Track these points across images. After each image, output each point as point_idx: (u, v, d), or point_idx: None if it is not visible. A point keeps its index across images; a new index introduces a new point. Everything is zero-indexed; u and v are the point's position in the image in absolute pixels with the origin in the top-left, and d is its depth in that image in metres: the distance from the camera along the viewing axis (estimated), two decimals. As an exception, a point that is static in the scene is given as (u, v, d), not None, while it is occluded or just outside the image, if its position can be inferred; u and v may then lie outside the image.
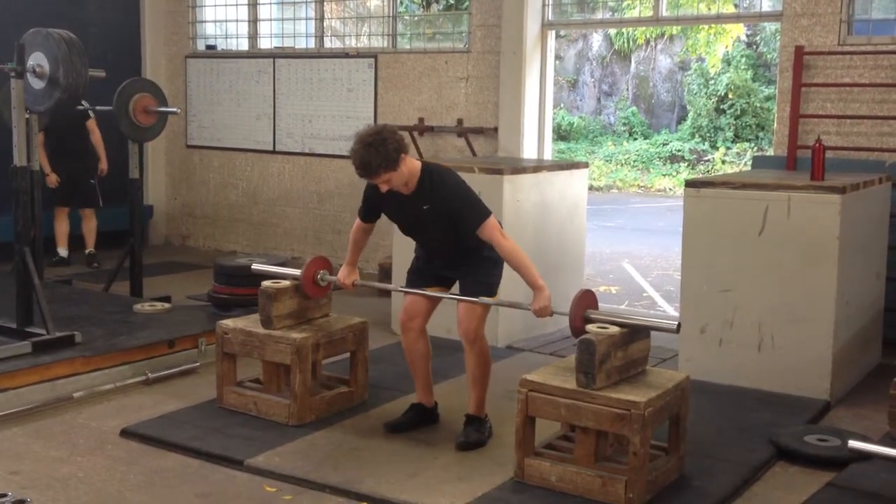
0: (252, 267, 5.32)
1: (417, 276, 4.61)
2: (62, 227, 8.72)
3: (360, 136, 4.17)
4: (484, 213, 4.28)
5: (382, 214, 4.58)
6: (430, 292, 4.54)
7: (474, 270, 4.44)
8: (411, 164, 4.28)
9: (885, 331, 6.05)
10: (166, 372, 5.46)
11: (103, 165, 8.81)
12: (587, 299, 4.30)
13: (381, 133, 4.14)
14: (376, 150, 4.08)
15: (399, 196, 4.33)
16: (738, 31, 19.51)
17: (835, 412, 5.08)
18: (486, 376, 4.51)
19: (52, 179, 8.45)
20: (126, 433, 4.56)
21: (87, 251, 8.90)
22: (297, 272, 4.93)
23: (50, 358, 5.15)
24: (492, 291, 4.45)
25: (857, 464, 4.15)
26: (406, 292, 4.63)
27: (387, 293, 7.16)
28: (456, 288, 4.58)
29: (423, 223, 4.41)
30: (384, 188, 4.24)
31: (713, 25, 17.34)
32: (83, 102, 8.29)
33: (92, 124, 8.73)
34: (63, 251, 8.72)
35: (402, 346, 4.68)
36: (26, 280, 5.54)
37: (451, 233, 4.36)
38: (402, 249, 5.89)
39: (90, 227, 8.93)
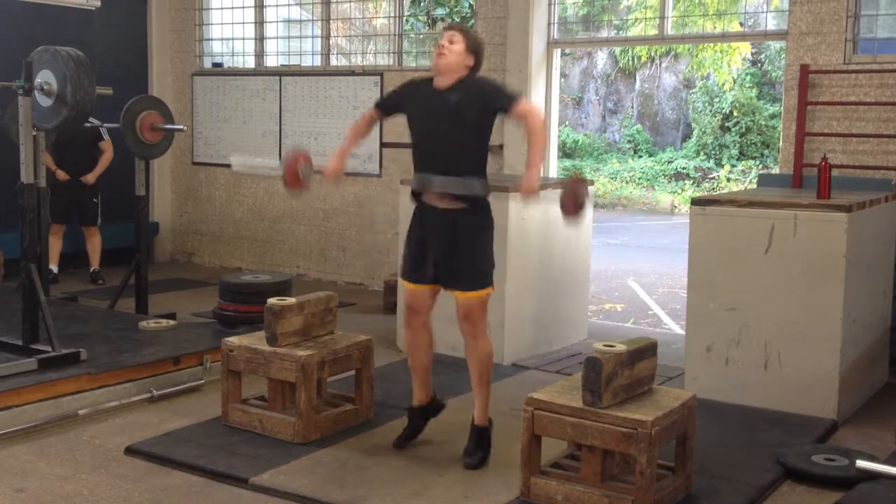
0: (232, 163, 5.30)
1: (414, 264, 4.52)
2: (56, 245, 8.69)
3: None
4: (517, 93, 4.54)
5: (398, 116, 4.61)
6: (424, 286, 4.50)
7: (469, 254, 4.39)
8: (468, 62, 4.39)
9: (893, 350, 6.03)
10: (171, 389, 5.45)
11: (91, 176, 8.73)
12: (579, 186, 4.35)
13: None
14: (470, 28, 4.51)
15: (430, 92, 4.40)
16: (746, 48, 19.56)
17: (842, 431, 5.05)
18: (489, 373, 4.50)
19: (61, 174, 8.46)
20: (131, 451, 4.55)
21: (91, 269, 8.90)
22: (276, 165, 4.86)
23: (55, 375, 5.15)
24: (488, 280, 4.44)
25: (865, 483, 4.13)
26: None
27: (392, 310, 7.15)
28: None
29: (445, 121, 4.34)
30: (439, 48, 4.33)
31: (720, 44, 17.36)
32: (93, 121, 8.37)
33: (106, 145, 8.76)
34: (54, 268, 8.68)
35: (405, 354, 4.66)
36: (32, 296, 5.55)
37: (468, 138, 4.36)
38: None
39: (94, 244, 8.93)
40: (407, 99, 4.54)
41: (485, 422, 4.50)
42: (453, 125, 4.35)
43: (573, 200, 4.31)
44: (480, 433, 4.47)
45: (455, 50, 4.35)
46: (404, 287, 4.65)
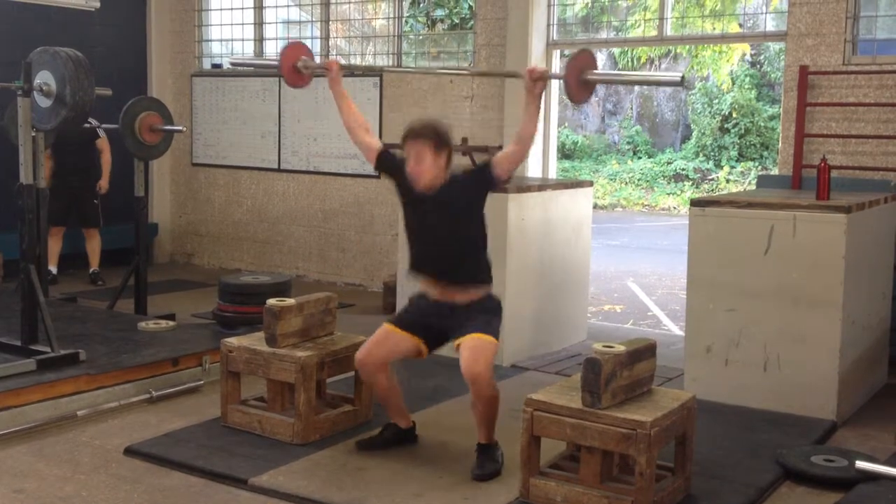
0: (230, 61, 5.32)
1: (413, 323, 4.44)
2: (55, 246, 8.68)
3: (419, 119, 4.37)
4: (488, 159, 4.37)
5: (389, 177, 4.51)
6: (413, 338, 4.41)
7: (475, 316, 4.31)
8: (442, 163, 4.29)
9: (892, 351, 6.03)
10: (170, 390, 5.45)
11: (103, 183, 8.81)
12: (584, 60, 4.17)
13: (441, 122, 4.34)
14: (438, 124, 4.27)
15: (422, 196, 4.33)
16: (745, 48, 19.60)
17: (841, 432, 5.05)
18: (496, 416, 4.32)
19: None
20: (130, 451, 4.55)
21: (91, 270, 8.90)
22: (275, 62, 4.78)
23: (54, 376, 5.14)
24: (496, 334, 4.33)
25: (864, 484, 4.13)
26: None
27: (391, 311, 7.14)
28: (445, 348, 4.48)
29: (444, 229, 4.34)
30: (412, 167, 4.23)
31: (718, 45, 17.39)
32: (91, 121, 8.35)
33: (102, 143, 8.75)
34: (53, 269, 8.68)
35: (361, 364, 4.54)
36: (31, 297, 5.54)
37: (467, 237, 4.34)
38: (406, 266, 5.87)
39: (94, 245, 8.94)
40: (404, 184, 4.39)
41: (491, 441, 4.35)
42: (452, 230, 4.33)
43: (577, 82, 4.15)
44: (486, 449, 4.33)
45: (427, 164, 4.22)
46: (387, 329, 4.47)
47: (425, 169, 4.25)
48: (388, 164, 4.49)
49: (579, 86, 4.18)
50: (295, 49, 4.86)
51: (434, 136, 4.24)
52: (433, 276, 4.40)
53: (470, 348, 4.18)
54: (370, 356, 4.45)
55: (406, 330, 4.45)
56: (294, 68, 4.72)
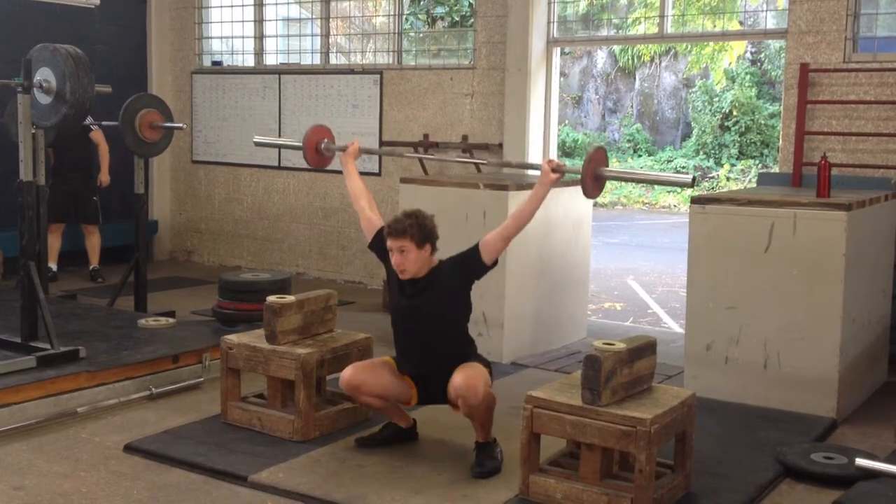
0: (255, 140, 5.56)
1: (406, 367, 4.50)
2: (55, 243, 8.68)
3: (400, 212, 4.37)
4: (474, 245, 4.38)
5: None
6: (404, 378, 4.48)
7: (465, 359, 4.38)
8: (431, 259, 4.35)
9: (892, 348, 6.03)
10: (170, 387, 5.45)
11: (103, 177, 8.80)
12: (599, 156, 4.34)
13: (420, 211, 4.33)
14: (415, 217, 4.28)
15: (406, 287, 4.38)
16: (741, 46, 19.57)
17: (841, 430, 5.05)
18: (492, 417, 4.34)
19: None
20: (130, 448, 4.55)
21: (91, 267, 8.90)
22: (298, 143, 5.10)
23: (54, 373, 5.14)
24: (486, 365, 4.41)
25: (864, 482, 4.12)
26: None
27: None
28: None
29: (427, 321, 4.37)
30: (395, 261, 4.27)
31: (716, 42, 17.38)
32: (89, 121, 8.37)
33: (97, 136, 8.73)
34: (53, 266, 8.67)
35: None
36: (31, 294, 5.54)
37: (443, 325, 4.37)
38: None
39: (93, 243, 8.93)
40: (391, 269, 4.42)
41: (489, 439, 4.37)
42: (437, 317, 4.37)
43: (592, 179, 4.29)
44: (485, 447, 4.35)
45: (410, 259, 4.28)
46: (386, 364, 4.53)
47: (409, 262, 4.30)
48: (382, 246, 4.49)
49: (593, 182, 4.33)
50: (317, 132, 5.13)
51: (416, 232, 4.25)
52: (418, 363, 4.46)
53: (465, 375, 4.22)
54: (364, 386, 4.46)
55: (405, 374, 4.50)
56: (316, 150, 5.04)
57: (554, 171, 4.36)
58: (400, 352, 4.55)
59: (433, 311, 4.37)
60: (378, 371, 4.50)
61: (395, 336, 4.55)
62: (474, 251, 4.37)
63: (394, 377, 4.49)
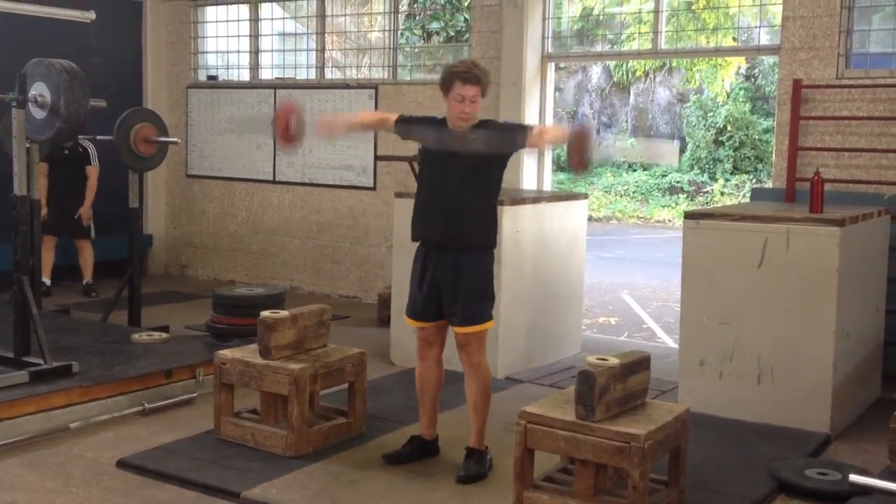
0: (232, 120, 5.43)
1: (421, 305, 4.53)
2: (48, 257, 8.66)
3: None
4: (527, 125, 4.84)
5: (411, 143, 4.78)
6: (432, 323, 4.52)
7: (468, 291, 4.39)
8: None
9: (885, 364, 6.03)
10: (163, 402, 5.43)
11: (84, 211, 8.78)
12: (584, 138, 4.33)
13: (479, 63, 4.49)
14: (480, 67, 4.39)
15: (449, 135, 4.41)
16: (741, 62, 19.68)
17: (835, 446, 5.05)
18: (487, 403, 4.48)
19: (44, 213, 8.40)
20: (122, 464, 4.53)
21: (84, 282, 8.89)
22: (268, 120, 5.03)
23: (47, 388, 5.12)
24: (486, 315, 4.45)
25: (858, 498, 4.12)
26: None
27: (386, 323, 7.14)
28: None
29: (457, 159, 4.37)
30: (464, 108, 4.29)
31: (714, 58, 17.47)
32: (88, 147, 8.41)
33: (91, 171, 8.76)
34: (47, 280, 8.65)
35: (415, 373, 4.65)
36: (24, 309, 5.53)
37: (476, 177, 4.38)
38: (401, 278, 5.88)
39: (87, 257, 8.92)
40: (429, 132, 4.51)
41: (480, 446, 4.45)
42: (468, 166, 4.38)
43: (579, 152, 4.26)
44: (474, 454, 4.43)
45: (476, 107, 4.36)
46: (412, 325, 4.61)
47: (476, 109, 4.36)
48: (414, 128, 4.60)
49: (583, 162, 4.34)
50: (287, 110, 4.78)
51: (486, 82, 4.37)
52: (443, 217, 4.41)
53: (461, 336, 4.42)
54: (430, 369, 4.58)
55: (422, 319, 4.52)
56: (287, 129, 4.61)
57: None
58: (422, 218, 4.50)
59: (469, 162, 4.36)
60: (421, 344, 4.58)
61: (421, 201, 4.52)
62: (524, 130, 4.48)
63: (427, 330, 4.53)
